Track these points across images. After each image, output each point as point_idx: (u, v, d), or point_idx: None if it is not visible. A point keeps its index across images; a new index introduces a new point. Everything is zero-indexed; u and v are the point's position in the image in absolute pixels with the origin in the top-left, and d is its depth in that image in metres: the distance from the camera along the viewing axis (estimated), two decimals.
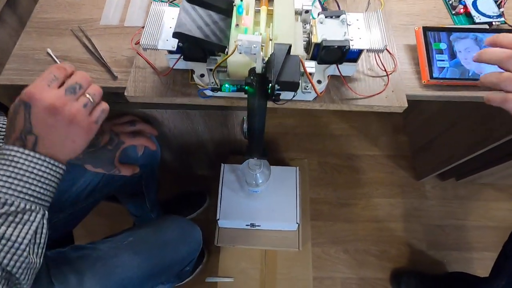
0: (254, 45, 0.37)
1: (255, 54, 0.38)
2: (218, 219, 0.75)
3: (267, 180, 0.62)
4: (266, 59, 0.41)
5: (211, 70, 0.44)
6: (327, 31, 0.46)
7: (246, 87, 0.42)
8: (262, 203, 0.76)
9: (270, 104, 0.50)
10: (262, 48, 0.40)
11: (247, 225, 0.77)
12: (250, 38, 0.37)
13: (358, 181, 1.26)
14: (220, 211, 0.75)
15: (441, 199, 1.23)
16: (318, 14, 0.46)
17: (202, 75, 0.48)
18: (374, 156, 1.31)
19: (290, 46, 0.39)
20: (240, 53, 0.38)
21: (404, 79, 0.53)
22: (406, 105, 0.50)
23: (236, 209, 0.76)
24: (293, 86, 0.38)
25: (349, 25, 0.46)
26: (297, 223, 0.74)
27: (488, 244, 1.16)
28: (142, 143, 0.69)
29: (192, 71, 0.49)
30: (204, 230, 0.91)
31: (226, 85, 0.42)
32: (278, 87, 0.38)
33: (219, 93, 0.48)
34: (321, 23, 0.46)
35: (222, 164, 0.81)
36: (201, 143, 0.90)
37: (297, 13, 0.49)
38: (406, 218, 1.20)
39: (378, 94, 0.50)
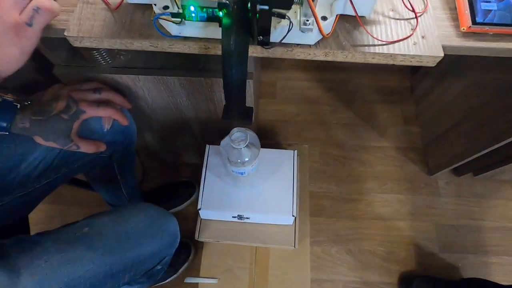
0: None
1: None
2: (200, 209, 0.61)
3: (255, 158, 0.49)
4: None
5: None
6: None
7: (220, 13, 0.28)
8: (252, 192, 0.62)
9: (256, 51, 0.37)
10: None
11: (234, 217, 0.63)
12: None
13: (364, 175, 1.12)
14: (202, 200, 0.62)
15: (456, 196, 1.09)
16: None
17: (166, 7, 0.35)
18: (382, 148, 1.16)
19: None
20: None
21: (438, 27, 0.39)
22: (442, 54, 0.36)
23: (222, 198, 0.62)
24: None
25: None
26: (293, 215, 0.60)
27: (508, 247, 1.01)
28: (110, 115, 0.55)
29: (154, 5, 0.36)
30: (192, 224, 0.77)
31: (191, 8, 0.29)
32: None
33: (185, 30, 0.34)
34: None
35: (207, 145, 0.67)
36: (185, 122, 0.76)
37: None
38: (417, 217, 1.05)
39: (403, 39, 0.36)
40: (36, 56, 0.39)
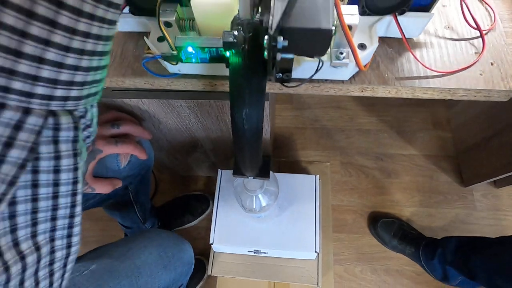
0: None
1: None
2: (212, 244, 0.55)
3: (275, 200, 0.41)
4: None
5: (167, 25, 0.24)
6: None
7: (225, 52, 0.21)
8: (270, 224, 0.56)
9: (274, 87, 0.29)
10: None
11: (249, 251, 0.57)
12: None
13: (390, 186, 1.02)
14: (214, 233, 0.56)
15: (494, 210, 0.97)
16: None
17: (161, 39, 0.28)
18: (410, 156, 1.06)
19: None
20: None
21: (510, 45, 0.30)
22: None
23: (236, 231, 0.56)
24: (317, 40, 0.17)
25: None
26: (316, 252, 0.53)
27: None
28: (128, 152, 0.49)
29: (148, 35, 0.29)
30: (206, 241, 0.72)
31: (189, 49, 0.21)
32: (284, 44, 0.17)
33: (185, 68, 0.27)
34: None
35: (219, 170, 0.60)
36: (196, 142, 0.70)
37: None
38: (450, 233, 0.95)
39: (466, 68, 0.28)
40: None
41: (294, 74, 0.27)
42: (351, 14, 0.22)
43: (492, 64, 0.28)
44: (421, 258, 0.86)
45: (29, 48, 0.12)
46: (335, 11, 0.20)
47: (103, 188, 0.48)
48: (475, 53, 0.28)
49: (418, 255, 0.86)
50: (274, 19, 0.16)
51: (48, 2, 0.12)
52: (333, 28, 0.16)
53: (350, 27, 0.22)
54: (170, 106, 0.55)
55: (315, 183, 0.59)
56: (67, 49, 0.13)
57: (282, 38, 0.16)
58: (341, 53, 0.24)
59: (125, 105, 0.54)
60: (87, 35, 0.13)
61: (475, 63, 0.28)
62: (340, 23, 0.22)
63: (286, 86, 0.28)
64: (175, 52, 0.22)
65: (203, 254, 0.90)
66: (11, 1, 0.11)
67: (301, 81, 0.27)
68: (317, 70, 0.23)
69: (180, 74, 0.29)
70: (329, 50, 0.25)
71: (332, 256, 0.65)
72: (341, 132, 1.10)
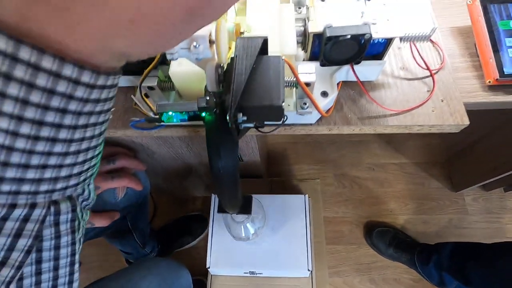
0: (195, 43, 0.19)
1: (201, 58, 0.21)
2: (209, 267, 0.58)
3: (262, 226, 0.44)
4: (226, 66, 0.23)
5: (150, 88, 0.27)
6: (334, 12, 0.27)
7: (201, 113, 0.24)
8: (263, 246, 0.58)
9: (250, 131, 0.33)
10: (218, 48, 0.22)
11: (245, 272, 0.59)
12: None
13: (383, 196, 1.05)
14: (210, 257, 0.58)
15: (486, 213, 1.00)
16: None
17: (146, 96, 0.31)
18: (401, 165, 1.09)
19: (266, 41, 0.21)
20: (173, 59, 0.20)
21: (458, 80, 0.33)
22: (467, 122, 0.31)
23: (231, 254, 0.58)
24: (271, 113, 0.20)
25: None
26: (308, 270, 0.56)
27: None
28: (124, 185, 0.52)
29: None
30: (206, 260, 0.74)
31: (170, 113, 0.25)
32: (244, 118, 0.20)
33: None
34: (323, 0, 0.28)
35: (213, 195, 0.63)
36: (190, 168, 0.73)
37: None
38: (444, 238, 0.98)
39: (419, 106, 0.31)
40: None
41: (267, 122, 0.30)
42: (308, 72, 0.26)
43: (442, 100, 0.32)
44: (416, 265, 0.88)
45: (35, 160, 0.15)
46: (292, 76, 0.24)
47: (102, 222, 0.51)
48: (427, 91, 0.32)
49: (414, 262, 0.89)
50: (233, 100, 0.19)
51: (51, 126, 0.14)
52: (283, 103, 0.19)
53: (308, 83, 0.26)
54: (162, 139, 0.58)
55: (305, 202, 0.62)
56: (65, 154, 0.16)
57: (241, 114, 0.19)
58: (305, 103, 0.28)
59: (119, 139, 0.58)
60: (81, 139, 0.16)
61: (427, 101, 0.31)
62: (298, 83, 0.25)
63: (261, 131, 0.31)
64: (156, 116, 0.26)
65: (203, 274, 0.92)
66: (21, 132, 0.13)
67: (274, 126, 0.30)
68: (283, 122, 0.27)
69: (166, 125, 0.32)
70: (294, 100, 0.29)
71: (326, 270, 0.67)
72: (333, 145, 1.14)
